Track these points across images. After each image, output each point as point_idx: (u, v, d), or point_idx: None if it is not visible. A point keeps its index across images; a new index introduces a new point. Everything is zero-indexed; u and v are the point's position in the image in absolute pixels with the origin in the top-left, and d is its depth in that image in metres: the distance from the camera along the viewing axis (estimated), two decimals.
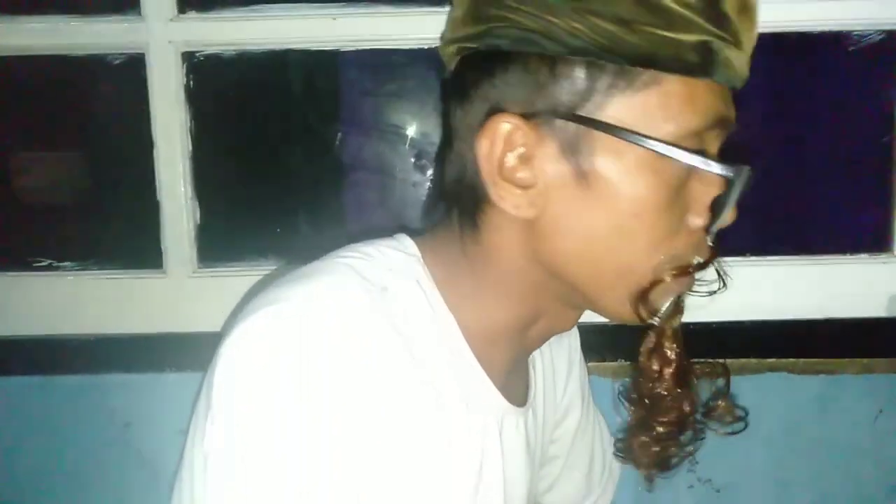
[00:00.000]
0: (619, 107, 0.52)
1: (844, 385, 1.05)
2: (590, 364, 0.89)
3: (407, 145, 1.13)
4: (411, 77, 1.12)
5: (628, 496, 1.00)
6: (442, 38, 0.61)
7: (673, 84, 0.52)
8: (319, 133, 1.16)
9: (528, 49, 0.53)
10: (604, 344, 0.98)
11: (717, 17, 0.52)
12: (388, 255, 0.60)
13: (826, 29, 1.03)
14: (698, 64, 0.52)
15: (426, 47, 1.03)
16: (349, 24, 1.02)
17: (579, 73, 0.52)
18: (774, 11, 1.00)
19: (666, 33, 0.50)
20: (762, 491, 1.08)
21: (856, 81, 1.10)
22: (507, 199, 0.55)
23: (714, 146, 0.57)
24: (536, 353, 0.76)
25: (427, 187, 1.10)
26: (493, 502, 0.65)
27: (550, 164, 0.54)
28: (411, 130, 1.13)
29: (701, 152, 0.53)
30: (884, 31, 1.04)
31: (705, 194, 0.56)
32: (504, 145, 0.54)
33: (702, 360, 0.65)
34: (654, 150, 0.52)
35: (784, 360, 1.05)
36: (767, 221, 1.16)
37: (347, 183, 1.15)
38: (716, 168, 0.52)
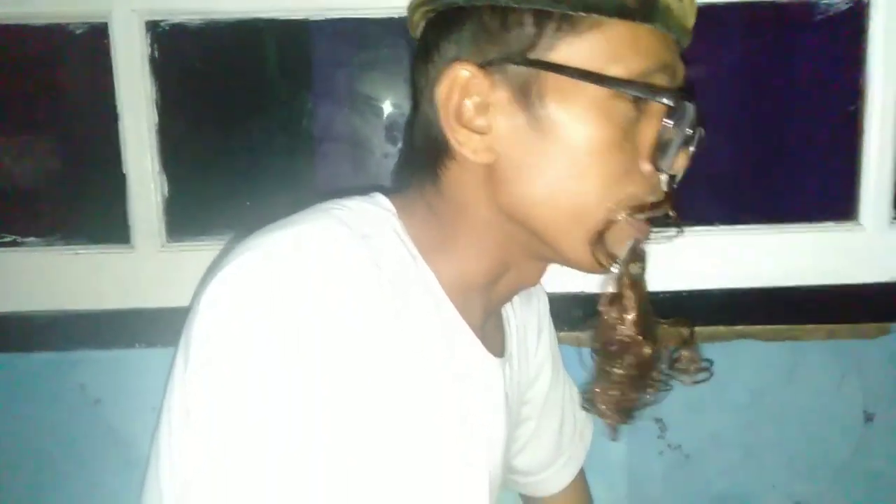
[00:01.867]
0: (566, 50, 0.56)
1: (810, 351, 1.07)
2: (560, 333, 0.90)
3: (379, 116, 1.12)
4: (384, 47, 1.10)
5: (600, 462, 1.02)
6: (409, 6, 0.64)
7: (616, 28, 0.56)
8: (290, 104, 1.14)
9: (480, 3, 0.57)
10: (574, 313, 0.99)
11: None
12: (365, 209, 0.61)
13: None
14: (637, 9, 0.56)
15: (398, 17, 1.02)
16: None
17: (527, 21, 0.56)
18: None
19: None
20: (730, 456, 1.10)
21: (823, 50, 1.11)
22: (465, 145, 0.58)
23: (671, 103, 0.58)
24: (510, 312, 0.78)
25: (398, 156, 1.10)
26: (476, 447, 0.66)
27: (505, 110, 0.57)
28: (383, 101, 1.12)
29: (646, 90, 0.56)
30: (851, 0, 1.05)
31: (660, 138, 0.58)
32: (461, 92, 0.57)
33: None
34: (602, 88, 0.55)
35: (752, 328, 1.07)
36: (735, 191, 1.18)
37: (318, 154, 1.13)
38: (661, 98, 0.56)
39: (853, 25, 1.04)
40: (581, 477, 0.93)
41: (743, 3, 1.02)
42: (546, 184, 0.57)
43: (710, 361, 0.70)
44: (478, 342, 0.66)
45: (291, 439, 0.49)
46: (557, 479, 0.90)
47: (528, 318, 0.82)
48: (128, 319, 1.04)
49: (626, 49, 0.56)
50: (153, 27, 1.02)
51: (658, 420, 1.10)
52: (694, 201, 1.10)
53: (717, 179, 1.12)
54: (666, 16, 0.57)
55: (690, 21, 0.60)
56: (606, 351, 0.64)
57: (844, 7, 1.05)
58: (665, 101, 0.56)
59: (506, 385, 0.71)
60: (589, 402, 0.70)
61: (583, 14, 0.55)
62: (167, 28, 1.03)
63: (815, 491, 1.11)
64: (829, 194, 1.14)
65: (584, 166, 0.56)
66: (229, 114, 1.12)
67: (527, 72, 0.56)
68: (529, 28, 0.56)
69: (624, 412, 0.68)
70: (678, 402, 1.08)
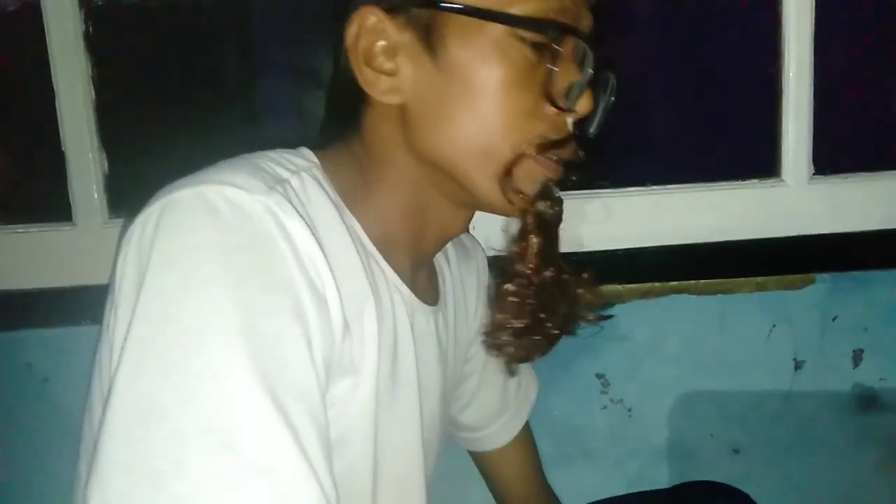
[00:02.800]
0: None
1: (740, 303, 1.12)
2: None
3: (323, 89, 1.13)
4: (323, 18, 1.12)
5: (545, 417, 1.05)
6: None
7: None
8: (231, 78, 1.15)
9: None
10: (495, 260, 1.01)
11: None
12: (287, 159, 0.61)
13: None
14: None
15: None
16: None
17: None
18: None
19: None
20: (669, 408, 1.14)
21: (742, 15, 1.16)
22: (373, 86, 0.60)
23: (568, 45, 0.61)
24: (445, 267, 0.80)
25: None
26: (408, 385, 0.67)
27: (410, 52, 0.60)
28: (328, 74, 1.13)
29: (546, 26, 0.58)
30: None
31: (560, 80, 0.61)
32: (367, 35, 0.60)
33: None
34: (500, 27, 0.57)
35: (685, 283, 1.11)
36: (664, 153, 1.22)
37: (262, 126, 1.14)
38: (553, 34, 0.58)
39: None
40: (527, 431, 0.96)
41: None
42: (451, 123, 0.60)
43: (610, 305, 0.71)
44: (405, 288, 0.67)
45: (205, 356, 0.46)
46: (503, 433, 0.92)
47: (466, 276, 0.84)
48: (73, 297, 1.04)
49: None
50: (86, 3, 1.02)
51: (600, 376, 1.13)
52: (625, 163, 1.15)
53: (647, 142, 1.17)
54: None
55: None
56: (510, 282, 0.65)
57: None
58: (555, 36, 0.58)
59: (438, 332, 0.73)
60: (486, 334, 0.71)
61: None
62: (101, 4, 1.03)
63: (750, 438, 1.15)
64: (752, 153, 1.19)
65: (488, 105, 0.59)
66: (170, 89, 1.13)
67: (429, 13, 0.59)
68: None
69: (521, 346, 0.69)
70: (619, 357, 1.12)
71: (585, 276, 0.68)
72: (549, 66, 0.60)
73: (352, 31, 0.60)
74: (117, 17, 1.04)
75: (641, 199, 1.12)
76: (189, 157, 1.11)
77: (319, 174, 0.62)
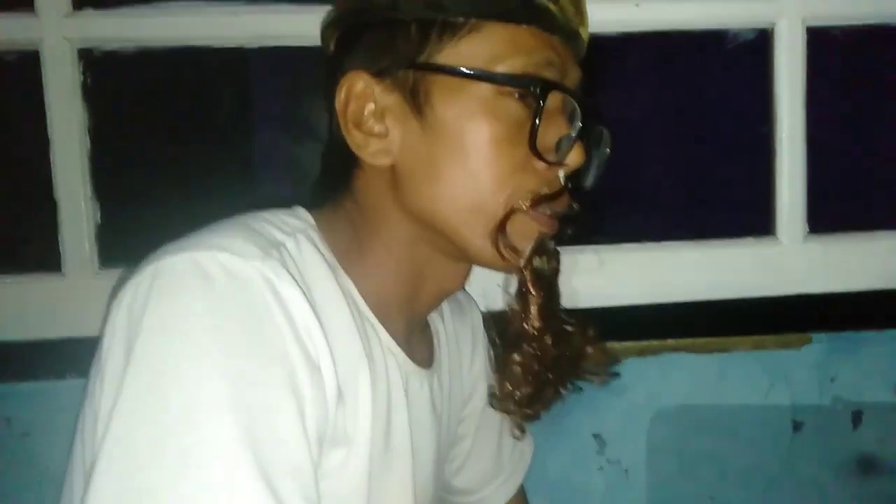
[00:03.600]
0: (450, 53, 0.59)
1: (738, 362, 1.11)
2: None
3: (319, 142, 1.14)
4: (320, 73, 1.13)
5: (540, 479, 1.02)
6: (321, 28, 0.68)
7: (495, 30, 0.59)
8: (226, 130, 1.15)
9: (372, 18, 0.61)
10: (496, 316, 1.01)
11: None
12: (283, 220, 0.61)
13: (705, 28, 1.11)
14: (514, 11, 0.60)
15: None
16: (252, 22, 1.03)
17: (413, 30, 0.60)
18: (656, 11, 1.07)
19: None
20: (668, 469, 1.12)
21: (735, 76, 1.18)
22: (363, 148, 0.61)
23: (555, 99, 0.61)
24: (440, 326, 0.78)
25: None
26: (401, 459, 0.65)
27: (398, 114, 0.60)
28: (321, 127, 1.14)
29: (529, 83, 0.59)
30: (756, 30, 1.13)
31: (548, 134, 0.61)
32: (357, 99, 0.60)
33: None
34: (485, 85, 0.58)
35: (682, 341, 1.10)
36: (660, 210, 1.23)
37: (256, 180, 1.14)
38: (535, 88, 0.58)
39: (761, 53, 1.11)
40: (521, 494, 0.93)
41: (659, 33, 1.08)
42: (442, 182, 0.60)
43: (616, 360, 0.71)
44: (400, 351, 0.66)
45: (196, 432, 0.45)
46: (497, 497, 0.90)
47: (461, 334, 0.82)
48: (59, 349, 1.01)
49: (506, 48, 0.59)
50: (86, 55, 1.02)
51: (596, 436, 1.11)
52: (621, 219, 1.16)
53: (643, 199, 1.17)
54: (545, 17, 0.61)
55: (575, 24, 0.64)
56: (508, 343, 0.65)
57: (752, 36, 1.13)
58: (540, 92, 0.59)
59: (433, 396, 0.71)
60: (492, 398, 0.71)
61: (461, 19, 0.59)
62: (100, 55, 1.03)
63: (749, 500, 1.13)
64: (747, 211, 1.20)
65: (476, 162, 0.59)
66: (165, 140, 1.13)
67: (414, 75, 0.60)
68: (415, 36, 0.59)
69: (526, 409, 0.69)
70: (615, 416, 1.11)
71: (591, 332, 0.67)
72: (536, 120, 0.59)
73: (341, 96, 0.61)
74: (116, 69, 1.04)
75: (637, 254, 1.12)
76: (183, 208, 1.12)
77: (315, 235, 0.61)
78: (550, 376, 0.66)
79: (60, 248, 1.04)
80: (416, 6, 0.59)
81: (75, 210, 1.03)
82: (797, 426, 1.13)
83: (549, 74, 0.61)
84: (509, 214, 0.60)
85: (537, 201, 0.61)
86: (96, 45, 1.03)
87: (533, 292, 0.63)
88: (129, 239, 1.07)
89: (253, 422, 0.46)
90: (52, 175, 1.02)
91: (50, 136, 1.02)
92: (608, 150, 0.67)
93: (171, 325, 0.47)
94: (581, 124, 0.61)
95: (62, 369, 1.01)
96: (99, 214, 1.05)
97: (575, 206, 0.64)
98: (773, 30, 1.09)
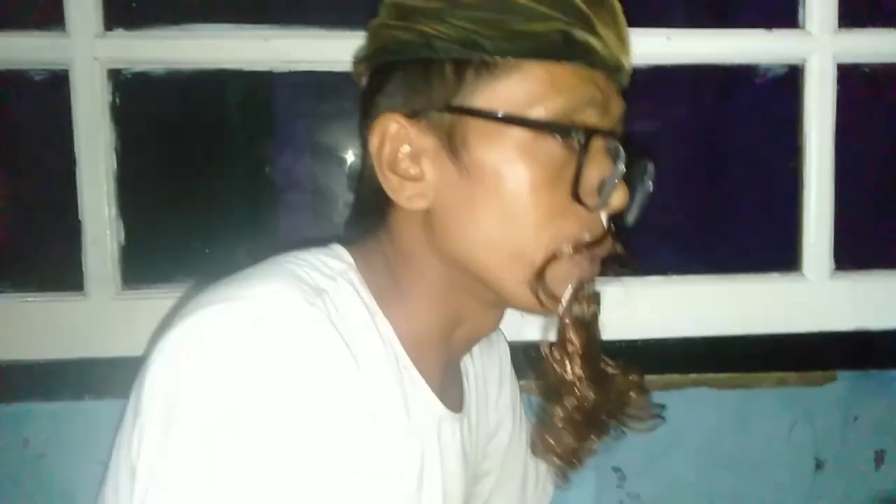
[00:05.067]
0: (486, 95, 0.57)
1: (761, 398, 1.10)
2: (522, 382, 0.90)
3: (340, 166, 1.14)
4: (345, 98, 1.13)
5: None
6: (352, 63, 0.67)
7: (534, 69, 0.57)
8: (251, 153, 1.15)
9: (405, 57, 0.59)
10: (530, 361, 1.00)
11: (563, 6, 0.57)
12: (324, 262, 0.60)
13: (736, 63, 1.11)
14: (554, 49, 0.57)
15: None
16: (282, 46, 1.03)
17: (448, 70, 0.58)
18: (687, 45, 1.07)
19: (518, 25, 0.56)
20: (687, 503, 1.11)
21: (764, 111, 1.18)
22: (399, 192, 0.59)
23: (598, 141, 0.59)
24: (469, 364, 0.77)
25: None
26: (433, 498, 0.65)
27: (434, 157, 0.59)
28: (344, 151, 1.14)
29: (570, 130, 0.57)
30: (787, 65, 1.12)
31: (590, 176, 0.59)
32: (391, 142, 0.59)
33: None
34: (524, 129, 0.56)
35: (705, 375, 1.09)
36: (687, 242, 1.22)
37: (280, 203, 1.14)
38: (578, 136, 0.56)
39: (791, 88, 1.10)
40: None
41: (691, 66, 1.08)
42: (479, 227, 0.58)
43: (662, 407, 0.69)
44: (435, 398, 0.65)
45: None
46: None
47: (488, 368, 0.81)
48: (78, 370, 1.01)
49: (546, 89, 0.57)
50: (115, 75, 1.02)
51: (617, 469, 1.10)
52: (647, 252, 1.15)
53: (670, 231, 1.16)
54: (586, 53, 0.58)
55: (619, 56, 0.61)
56: (549, 393, 0.63)
57: (782, 72, 1.12)
58: (580, 138, 0.56)
59: (463, 441, 0.70)
60: (535, 447, 0.69)
61: (499, 59, 0.57)
62: (129, 76, 1.03)
63: None
64: (773, 246, 1.19)
65: (515, 208, 0.57)
66: (190, 162, 1.13)
67: (450, 118, 0.58)
68: (450, 76, 0.58)
69: (570, 458, 0.67)
70: (636, 450, 1.09)
71: (634, 375, 0.66)
72: (577, 164, 0.57)
73: (375, 139, 0.60)
74: (144, 90, 1.04)
75: (662, 287, 1.11)
76: (206, 231, 1.11)
77: (355, 277, 0.61)
78: (593, 424, 0.64)
79: (83, 268, 1.03)
80: (452, 45, 0.57)
81: (100, 230, 1.02)
82: (819, 464, 1.11)
83: (591, 113, 0.58)
84: (549, 260, 0.58)
85: (579, 248, 0.59)
86: (126, 66, 1.03)
87: (573, 340, 0.61)
88: (153, 261, 1.07)
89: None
90: (78, 195, 1.02)
91: (76, 156, 1.01)
92: (652, 183, 0.64)
93: (207, 405, 0.48)
94: (623, 167, 0.59)
95: (81, 391, 1.00)
96: (123, 235, 1.04)
97: (619, 248, 0.62)
98: (804, 66, 1.09)
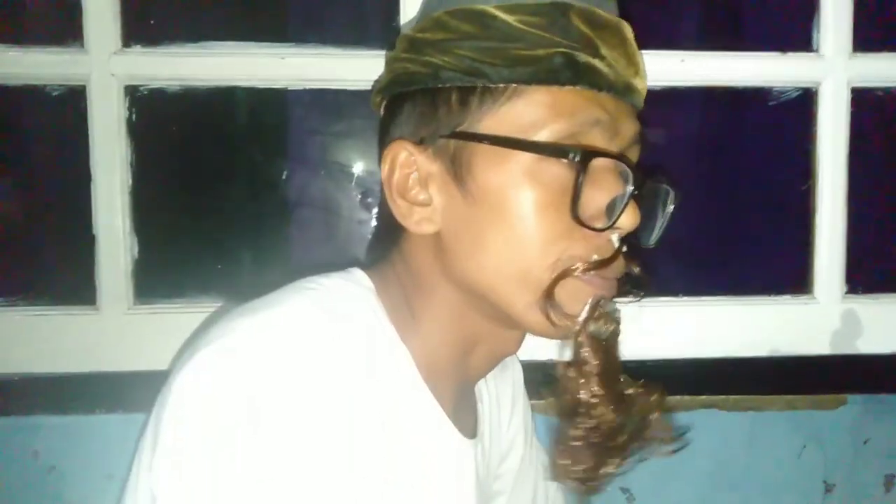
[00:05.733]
0: (490, 120, 0.58)
1: (771, 421, 1.09)
2: (533, 402, 0.90)
3: (353, 183, 1.14)
4: (358, 116, 1.13)
5: None
6: (371, 93, 0.69)
7: (535, 94, 0.58)
8: (264, 170, 1.15)
9: (413, 87, 0.61)
10: (546, 381, 1.00)
11: (565, 31, 0.58)
12: (344, 287, 0.61)
13: (750, 85, 1.11)
14: (556, 73, 0.57)
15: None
16: (297, 64, 1.03)
17: (453, 98, 0.59)
18: (701, 67, 1.07)
19: (519, 52, 0.57)
20: None
21: (777, 134, 1.18)
22: (408, 217, 0.60)
23: (605, 160, 0.59)
24: (483, 386, 0.77)
25: (372, 225, 1.11)
26: None
27: (440, 182, 0.60)
28: (357, 169, 1.14)
29: (567, 151, 0.56)
30: (801, 89, 1.12)
31: (597, 197, 0.58)
32: (400, 168, 0.60)
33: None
34: (526, 153, 0.57)
35: (715, 398, 1.08)
36: (698, 264, 1.22)
37: (292, 220, 1.14)
38: (576, 158, 0.56)
39: (804, 111, 1.11)
40: None
41: (703, 89, 1.08)
42: (486, 250, 0.58)
43: (685, 429, 0.68)
44: (450, 424, 0.65)
45: None
46: None
47: (501, 390, 0.81)
48: (88, 384, 1.01)
49: (548, 113, 0.57)
50: (132, 91, 1.03)
51: (625, 490, 1.09)
52: (658, 272, 1.15)
53: (682, 252, 1.16)
54: (590, 76, 0.58)
55: (629, 77, 0.60)
56: (566, 413, 0.62)
57: (795, 95, 1.12)
58: (579, 159, 0.56)
59: (477, 466, 0.70)
60: (552, 470, 0.67)
61: (501, 85, 0.58)
62: (146, 93, 1.04)
63: None
64: (785, 269, 1.18)
65: (520, 230, 0.57)
66: (204, 178, 1.13)
67: (455, 144, 0.59)
68: (455, 104, 0.59)
69: (589, 481, 0.65)
70: (644, 471, 1.08)
71: (656, 396, 0.64)
72: (575, 185, 0.56)
73: (386, 166, 0.61)
74: (161, 106, 1.05)
75: (672, 308, 1.11)
76: (219, 247, 1.12)
77: (375, 302, 0.61)
78: (613, 447, 0.62)
79: (96, 282, 1.04)
80: (456, 73, 0.58)
81: (113, 245, 1.03)
82: (829, 488, 1.11)
83: (598, 135, 0.58)
84: (557, 280, 0.57)
85: (588, 268, 0.58)
86: (143, 83, 1.03)
87: (589, 359, 0.60)
88: (165, 276, 1.07)
89: None
90: (92, 209, 1.02)
91: (92, 171, 1.02)
92: (672, 207, 0.64)
93: (204, 439, 0.49)
94: (633, 186, 0.58)
95: (92, 404, 1.00)
96: (136, 250, 1.05)
97: (635, 268, 0.62)
98: (818, 89, 1.09)
